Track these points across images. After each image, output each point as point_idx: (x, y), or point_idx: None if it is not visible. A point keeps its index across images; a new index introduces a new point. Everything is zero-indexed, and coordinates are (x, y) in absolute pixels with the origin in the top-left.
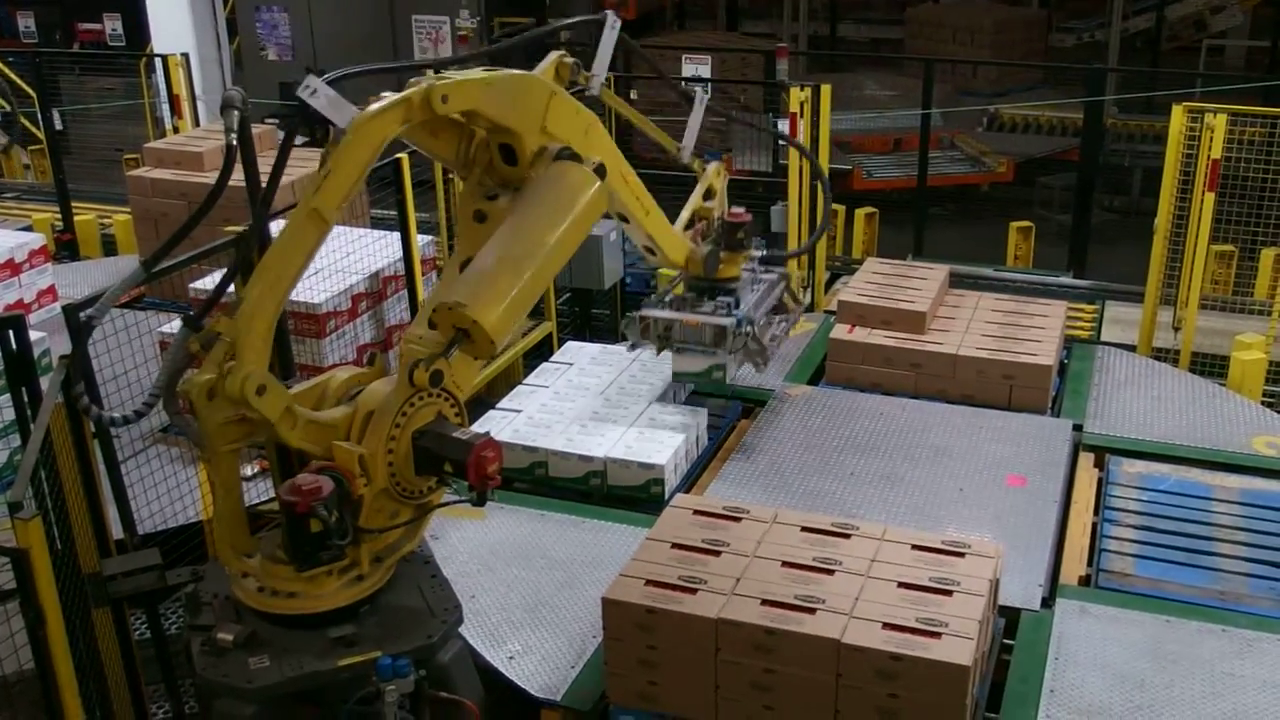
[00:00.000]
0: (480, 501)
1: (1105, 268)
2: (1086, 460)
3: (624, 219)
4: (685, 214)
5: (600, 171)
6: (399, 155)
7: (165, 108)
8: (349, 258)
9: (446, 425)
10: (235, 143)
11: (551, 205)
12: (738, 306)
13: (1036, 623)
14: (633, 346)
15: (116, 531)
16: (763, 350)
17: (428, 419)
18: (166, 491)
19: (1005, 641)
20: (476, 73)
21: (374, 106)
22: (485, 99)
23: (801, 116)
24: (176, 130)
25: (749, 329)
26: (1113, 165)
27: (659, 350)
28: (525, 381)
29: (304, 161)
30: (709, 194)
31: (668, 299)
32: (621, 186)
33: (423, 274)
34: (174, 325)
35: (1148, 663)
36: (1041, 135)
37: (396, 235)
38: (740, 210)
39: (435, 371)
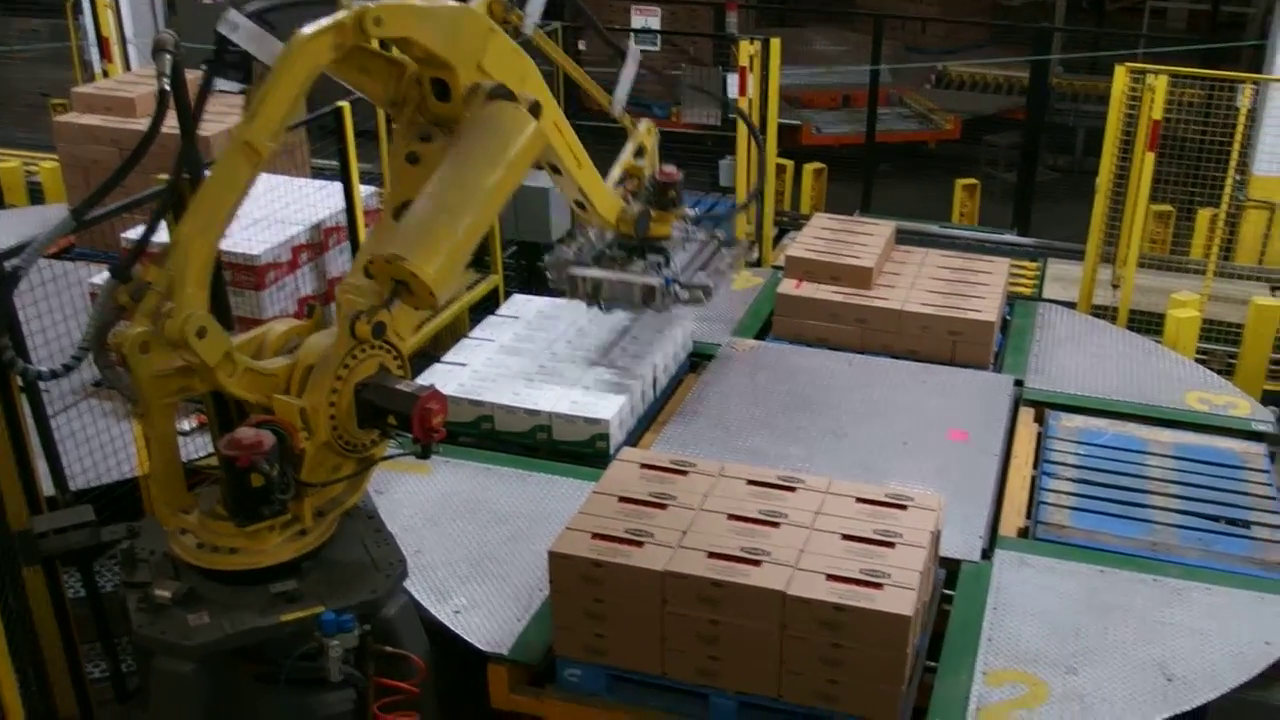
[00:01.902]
0: (425, 455)
1: (1048, 226)
2: (1027, 415)
3: (555, 170)
4: (615, 172)
5: (535, 110)
6: (340, 103)
7: (94, 51)
8: (289, 208)
9: (390, 378)
10: (168, 88)
11: (487, 149)
12: (668, 265)
13: (976, 573)
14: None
15: (48, 488)
16: (705, 288)
17: (370, 371)
18: (100, 447)
19: (946, 592)
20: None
21: (306, 29)
22: (421, 27)
23: (751, 70)
24: (106, 74)
25: (678, 289)
26: (1057, 125)
27: (589, 305)
28: (471, 335)
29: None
30: (639, 152)
31: (595, 251)
32: (554, 135)
33: (365, 225)
34: (104, 276)
35: (1083, 611)
36: (988, 94)
37: (338, 185)
38: (671, 169)
39: (378, 323)
